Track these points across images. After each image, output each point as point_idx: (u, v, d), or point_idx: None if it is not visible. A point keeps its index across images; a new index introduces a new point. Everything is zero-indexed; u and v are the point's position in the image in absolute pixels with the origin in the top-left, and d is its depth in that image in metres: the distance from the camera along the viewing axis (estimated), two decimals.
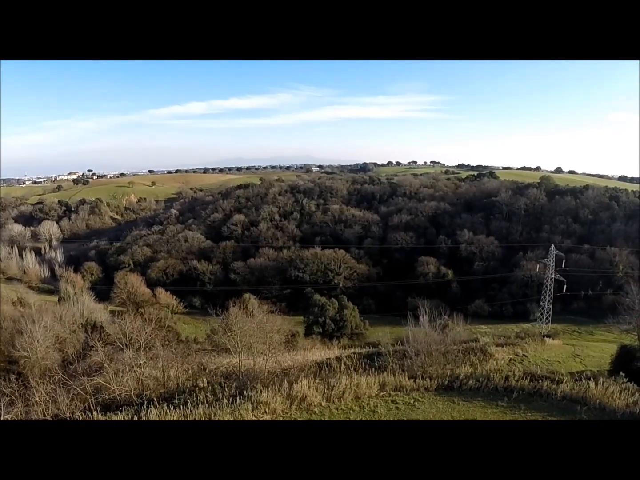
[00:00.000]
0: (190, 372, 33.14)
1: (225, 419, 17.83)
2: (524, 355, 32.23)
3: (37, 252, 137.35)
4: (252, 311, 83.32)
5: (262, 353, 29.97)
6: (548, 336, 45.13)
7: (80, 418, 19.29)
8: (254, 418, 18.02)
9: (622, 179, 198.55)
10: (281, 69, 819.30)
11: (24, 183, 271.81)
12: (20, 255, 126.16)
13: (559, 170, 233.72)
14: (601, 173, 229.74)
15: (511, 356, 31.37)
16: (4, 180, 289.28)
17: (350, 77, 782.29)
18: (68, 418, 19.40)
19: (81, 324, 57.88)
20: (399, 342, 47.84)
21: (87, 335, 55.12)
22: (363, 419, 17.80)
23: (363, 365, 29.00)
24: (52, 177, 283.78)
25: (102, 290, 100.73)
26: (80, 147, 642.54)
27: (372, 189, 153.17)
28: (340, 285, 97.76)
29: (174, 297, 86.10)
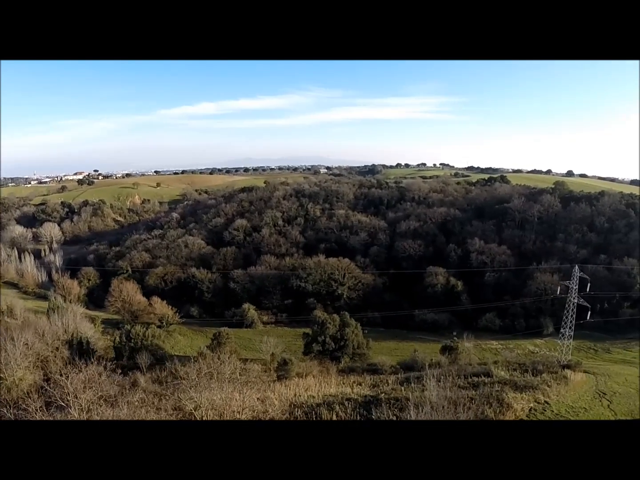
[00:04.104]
0: (164, 412, 29.66)
1: None
2: (545, 402, 28.01)
3: (38, 254, 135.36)
4: (251, 324, 79.52)
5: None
6: (568, 367, 41.18)
7: None
8: None
9: (635, 182, 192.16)
10: (292, 70, 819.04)
11: (30, 183, 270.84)
12: (20, 257, 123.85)
13: (570, 173, 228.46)
14: (612, 176, 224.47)
15: (531, 404, 27.19)
16: (12, 179, 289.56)
17: (361, 78, 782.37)
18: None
19: (65, 340, 54.61)
20: (403, 369, 44.12)
21: (70, 353, 52.13)
22: None
23: (357, 417, 25.16)
24: (57, 177, 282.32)
25: (99, 297, 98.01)
26: (92, 146, 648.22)
27: (379, 194, 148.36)
28: (344, 296, 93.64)
29: (170, 307, 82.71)
